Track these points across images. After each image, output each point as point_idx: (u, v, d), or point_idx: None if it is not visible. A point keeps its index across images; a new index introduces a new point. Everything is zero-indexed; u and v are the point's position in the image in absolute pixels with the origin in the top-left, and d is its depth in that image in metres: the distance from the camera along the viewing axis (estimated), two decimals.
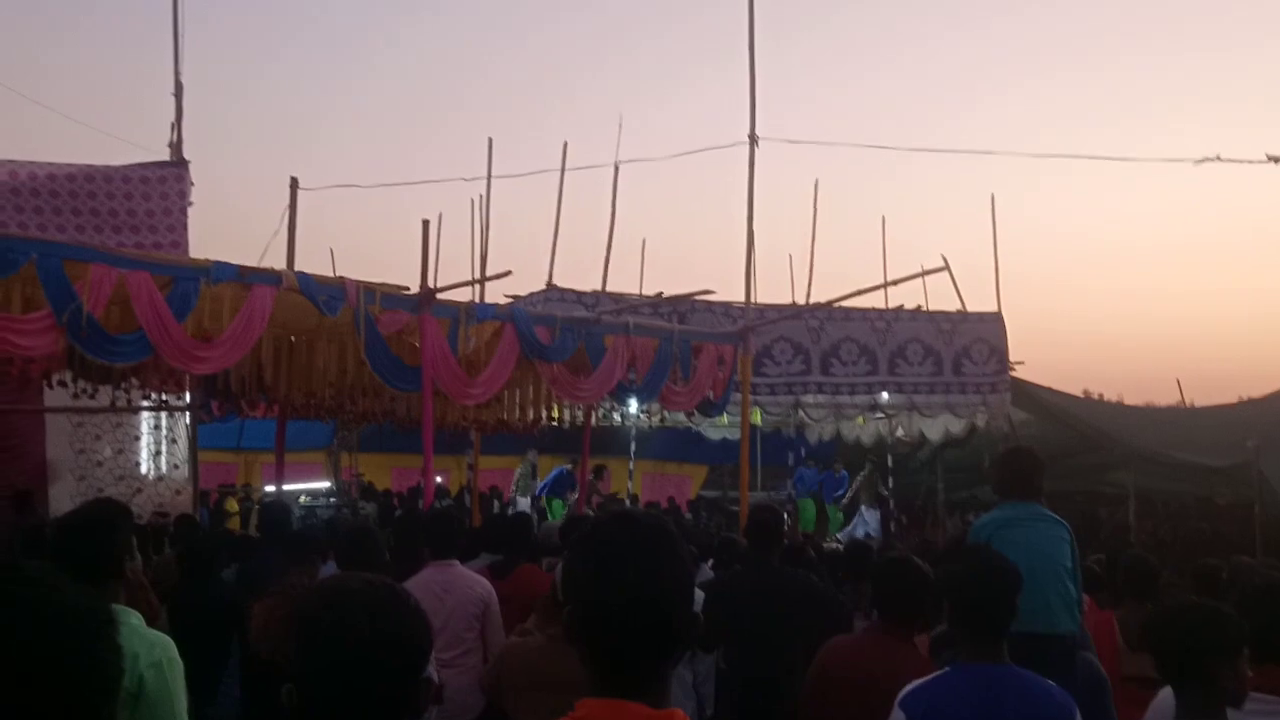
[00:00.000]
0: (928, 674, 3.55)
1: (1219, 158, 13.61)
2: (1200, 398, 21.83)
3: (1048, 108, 68.42)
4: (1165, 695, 3.45)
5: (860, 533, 18.50)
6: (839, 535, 18.52)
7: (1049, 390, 17.86)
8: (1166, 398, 23.04)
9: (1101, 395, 24.29)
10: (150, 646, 3.23)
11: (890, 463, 19.39)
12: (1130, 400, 23.74)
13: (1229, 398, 19.05)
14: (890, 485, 19.31)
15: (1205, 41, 63.29)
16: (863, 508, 19.39)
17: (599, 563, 1.80)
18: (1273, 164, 13.13)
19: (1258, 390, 18.99)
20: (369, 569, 4.08)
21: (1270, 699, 3.40)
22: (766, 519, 6.10)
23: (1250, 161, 13.58)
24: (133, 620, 3.31)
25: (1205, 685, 3.16)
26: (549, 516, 16.25)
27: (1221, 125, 55.47)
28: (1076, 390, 20.95)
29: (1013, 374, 16.40)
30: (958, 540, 7.99)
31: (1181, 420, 18.97)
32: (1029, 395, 17.19)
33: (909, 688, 3.48)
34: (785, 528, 7.74)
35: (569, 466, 18.04)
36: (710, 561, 8.02)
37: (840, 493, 20.34)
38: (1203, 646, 3.18)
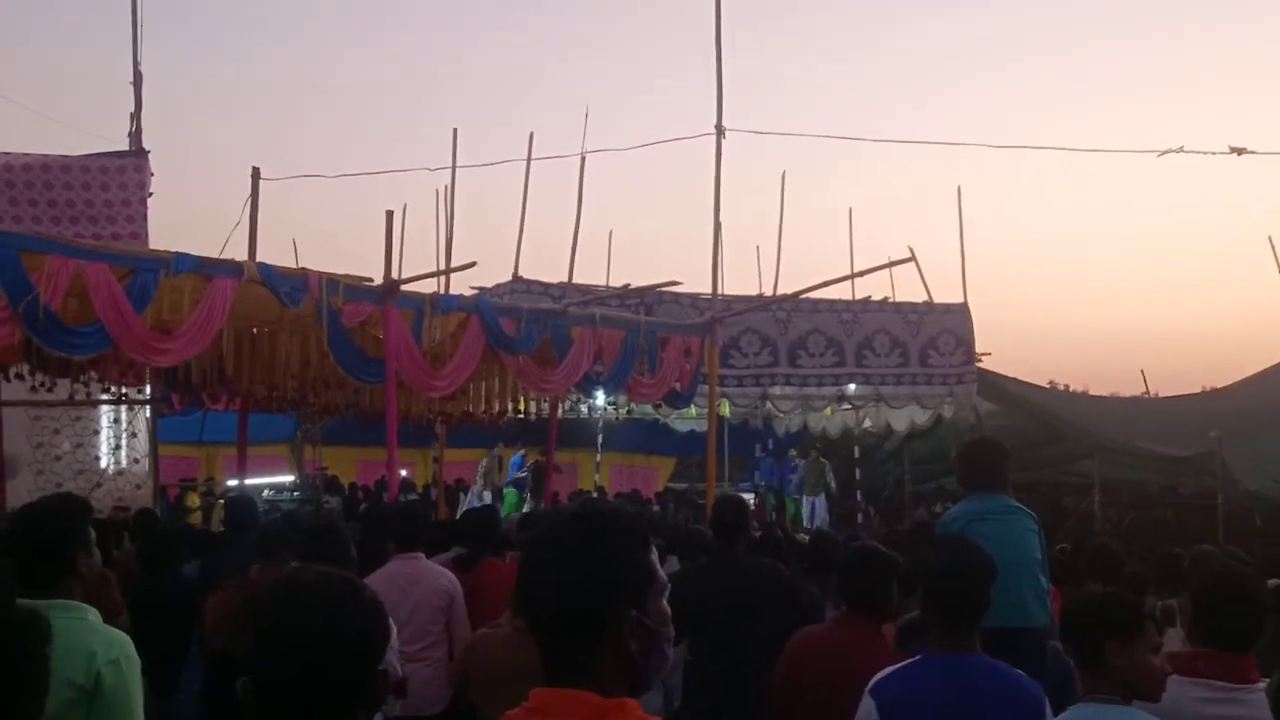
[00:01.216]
0: (896, 663, 3.53)
1: (1182, 149, 13.66)
2: (1164, 388, 22.06)
3: (1014, 100, 68.83)
4: None
5: (808, 520, 18.48)
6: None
7: (1015, 381, 17.97)
8: (1131, 388, 23.26)
9: (1067, 386, 24.58)
10: (108, 644, 3.19)
11: (857, 454, 19.45)
12: (1096, 391, 23.99)
13: (1193, 388, 19.26)
14: (859, 475, 19.35)
15: (1169, 33, 63.90)
16: (804, 497, 19.38)
17: (526, 560, 1.89)
18: (1235, 155, 13.22)
19: (1221, 381, 19.19)
20: (332, 564, 3.99)
21: (1226, 686, 3.43)
22: (730, 511, 6.08)
23: (1213, 153, 13.66)
24: (89, 617, 3.28)
25: (1102, 670, 3.20)
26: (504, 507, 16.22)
27: (1185, 117, 55.98)
28: (1043, 381, 21.14)
29: (979, 365, 16.47)
30: (921, 526, 8.01)
31: (1146, 411, 19.17)
32: (995, 386, 17.29)
33: (878, 676, 3.46)
34: (752, 513, 7.71)
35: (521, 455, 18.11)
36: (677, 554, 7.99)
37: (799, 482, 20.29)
38: (1092, 631, 3.23)
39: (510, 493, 17.86)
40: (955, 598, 3.41)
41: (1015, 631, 4.67)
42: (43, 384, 10.11)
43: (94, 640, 3.16)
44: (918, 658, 3.48)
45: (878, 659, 3.71)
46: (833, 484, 19.46)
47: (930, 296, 16.19)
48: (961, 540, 3.98)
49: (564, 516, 1.87)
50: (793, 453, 20.37)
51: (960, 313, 16.24)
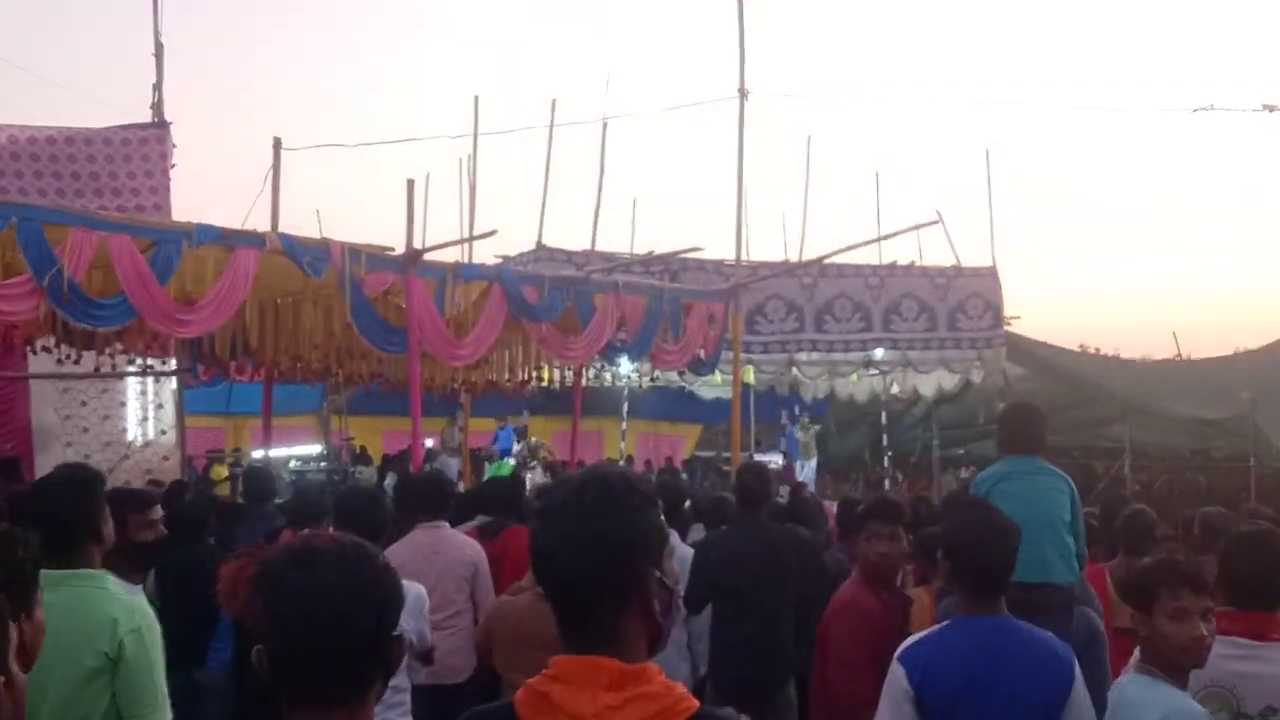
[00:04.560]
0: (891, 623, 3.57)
1: (1213, 107, 13.52)
2: (1196, 350, 21.77)
3: (1043, 59, 68.07)
4: None
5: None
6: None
7: (1044, 344, 17.79)
8: (1163, 350, 22.97)
9: (1098, 349, 24.24)
10: (129, 612, 3.20)
11: (885, 420, 19.35)
12: (1126, 353, 23.60)
13: (1225, 350, 18.95)
14: (885, 441, 19.28)
15: None
16: (799, 461, 19.41)
17: (544, 528, 1.84)
18: (1268, 113, 13.04)
19: (1254, 342, 18.89)
20: (367, 534, 3.97)
21: (1249, 643, 3.43)
22: (752, 478, 6.08)
23: (1245, 111, 13.48)
24: (109, 586, 3.28)
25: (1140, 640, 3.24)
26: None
27: (1217, 75, 55.20)
28: (1072, 344, 20.91)
29: (1008, 329, 16.34)
30: (956, 496, 7.96)
31: (1177, 373, 18.89)
32: (1024, 350, 17.13)
33: (907, 643, 3.47)
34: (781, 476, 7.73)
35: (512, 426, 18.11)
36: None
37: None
38: (1130, 599, 3.29)
39: (503, 464, 17.82)
40: (978, 562, 3.38)
41: (1035, 587, 4.62)
42: (69, 356, 10.14)
43: (115, 608, 3.17)
44: (947, 623, 3.48)
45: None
46: (814, 451, 19.70)
47: (958, 260, 16.06)
48: (984, 506, 3.97)
49: (575, 482, 1.85)
50: (784, 421, 20.37)
51: (989, 276, 16.11)
